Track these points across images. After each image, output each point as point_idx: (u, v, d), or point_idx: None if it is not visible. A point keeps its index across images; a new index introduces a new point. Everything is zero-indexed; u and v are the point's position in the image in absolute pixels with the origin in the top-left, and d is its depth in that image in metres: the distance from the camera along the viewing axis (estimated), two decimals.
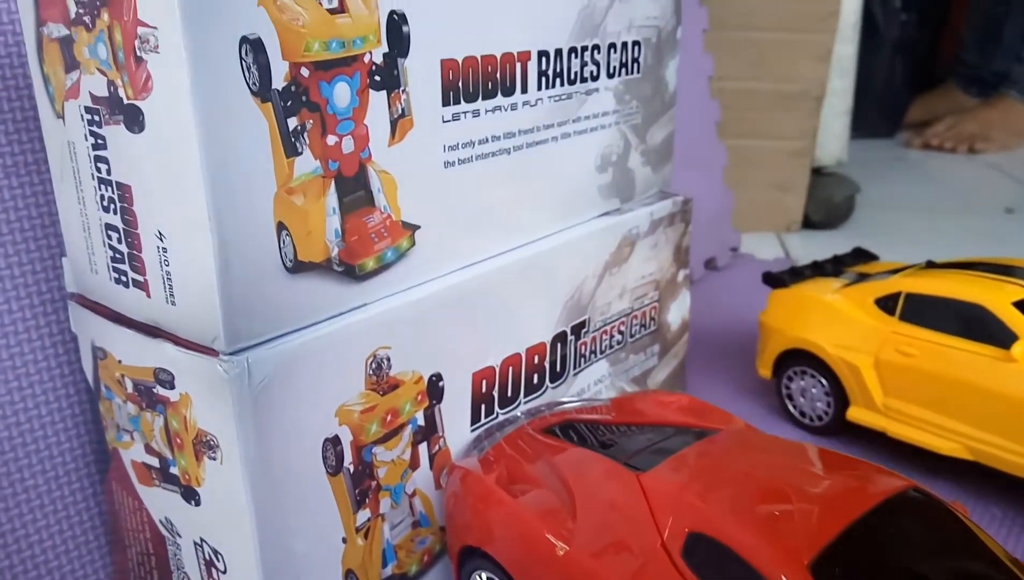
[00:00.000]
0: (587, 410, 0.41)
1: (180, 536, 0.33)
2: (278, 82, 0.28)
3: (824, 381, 0.53)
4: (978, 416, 0.45)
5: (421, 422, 0.36)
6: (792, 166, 1.06)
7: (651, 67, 0.48)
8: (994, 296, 0.45)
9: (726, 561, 0.26)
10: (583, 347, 0.46)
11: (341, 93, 0.30)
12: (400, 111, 0.33)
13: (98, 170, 0.30)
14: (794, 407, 0.55)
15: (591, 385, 0.47)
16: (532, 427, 0.39)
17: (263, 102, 0.28)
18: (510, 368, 0.41)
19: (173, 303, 0.30)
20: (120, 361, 0.33)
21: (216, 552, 0.32)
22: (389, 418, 0.35)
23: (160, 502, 0.34)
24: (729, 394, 0.60)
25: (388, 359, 0.34)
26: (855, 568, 0.25)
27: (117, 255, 0.31)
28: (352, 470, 0.33)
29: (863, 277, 0.55)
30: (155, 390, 0.31)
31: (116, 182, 0.30)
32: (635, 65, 0.47)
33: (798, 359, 0.54)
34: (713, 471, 0.30)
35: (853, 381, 0.50)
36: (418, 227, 0.35)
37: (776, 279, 0.58)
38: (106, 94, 0.28)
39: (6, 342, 0.36)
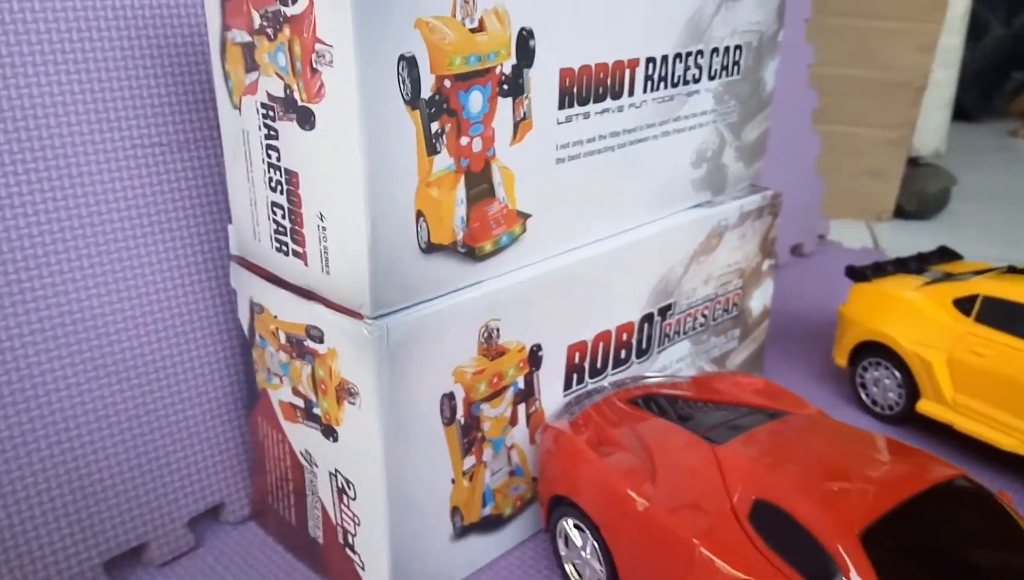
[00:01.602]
0: (669, 385, 0.45)
1: (317, 466, 0.39)
2: (426, 92, 0.33)
3: (897, 373, 0.55)
4: None
5: (521, 386, 0.41)
6: (888, 155, 1.06)
7: (751, 69, 0.51)
8: None
9: (787, 526, 0.31)
10: (668, 327, 0.50)
11: (475, 100, 0.35)
12: (522, 115, 0.37)
13: (268, 156, 0.36)
14: (867, 396, 0.58)
15: (673, 362, 0.51)
16: (618, 397, 0.44)
17: (413, 109, 0.33)
18: (601, 343, 0.45)
19: (328, 273, 0.35)
20: (276, 316, 0.39)
21: (348, 482, 0.38)
22: (495, 380, 0.40)
23: (302, 436, 0.40)
24: (805, 379, 0.63)
25: (498, 330, 0.39)
26: (902, 541, 0.29)
27: (280, 228, 0.37)
28: (463, 422, 0.39)
29: (947, 276, 0.57)
30: (305, 343, 0.37)
31: (285, 168, 0.35)
32: (735, 67, 0.50)
33: (874, 351, 0.57)
34: (781, 448, 0.34)
35: (925, 375, 0.53)
36: (530, 215, 0.40)
37: (859, 273, 0.60)
38: (282, 95, 0.34)
39: (176, 293, 0.43)
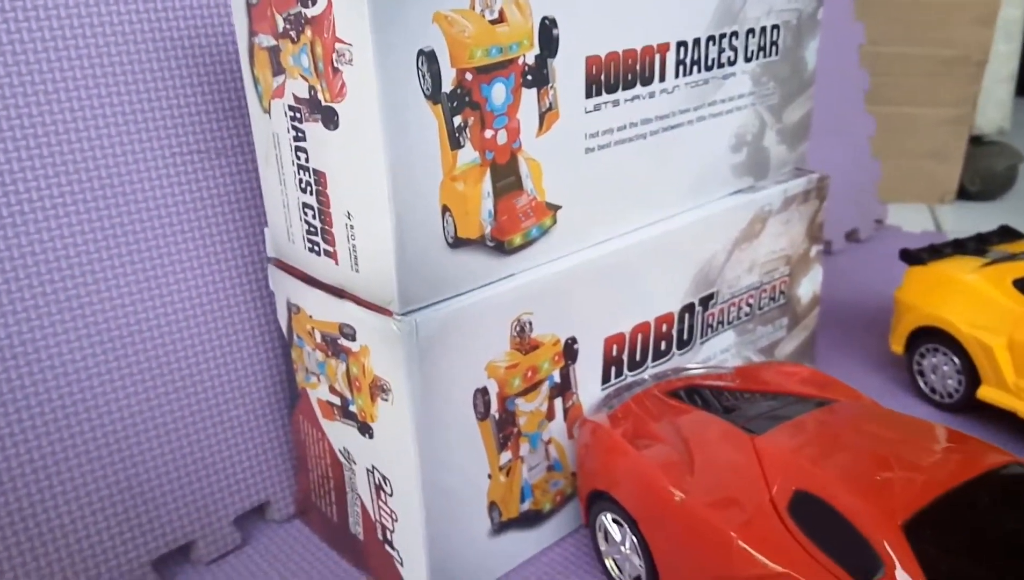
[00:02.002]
0: (711, 377, 0.44)
1: (355, 463, 0.40)
2: (447, 86, 0.33)
3: (956, 359, 0.53)
4: None
5: (557, 379, 0.41)
6: (948, 134, 1.02)
7: (790, 49, 0.50)
8: None
9: (828, 517, 0.30)
10: (711, 318, 0.49)
11: (498, 93, 0.35)
12: (548, 105, 0.37)
13: (298, 158, 0.36)
14: (925, 384, 0.56)
15: (717, 353, 0.50)
16: (658, 389, 0.43)
17: (434, 104, 0.33)
18: (639, 335, 0.45)
19: (357, 270, 0.35)
20: (311, 316, 0.39)
21: (385, 478, 0.38)
22: (530, 374, 0.40)
23: (339, 434, 0.40)
24: (860, 368, 0.61)
25: (530, 323, 0.39)
26: (948, 531, 0.28)
27: (311, 229, 0.37)
28: (497, 417, 0.39)
29: (1009, 257, 0.54)
30: (339, 341, 0.38)
31: (313, 169, 0.36)
32: (773, 48, 0.48)
33: (931, 337, 0.55)
34: (823, 437, 0.33)
35: (985, 360, 0.51)
36: (560, 207, 0.39)
37: (913, 256, 0.58)
38: (307, 96, 0.34)
39: (216, 297, 0.44)
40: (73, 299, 0.39)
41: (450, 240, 0.35)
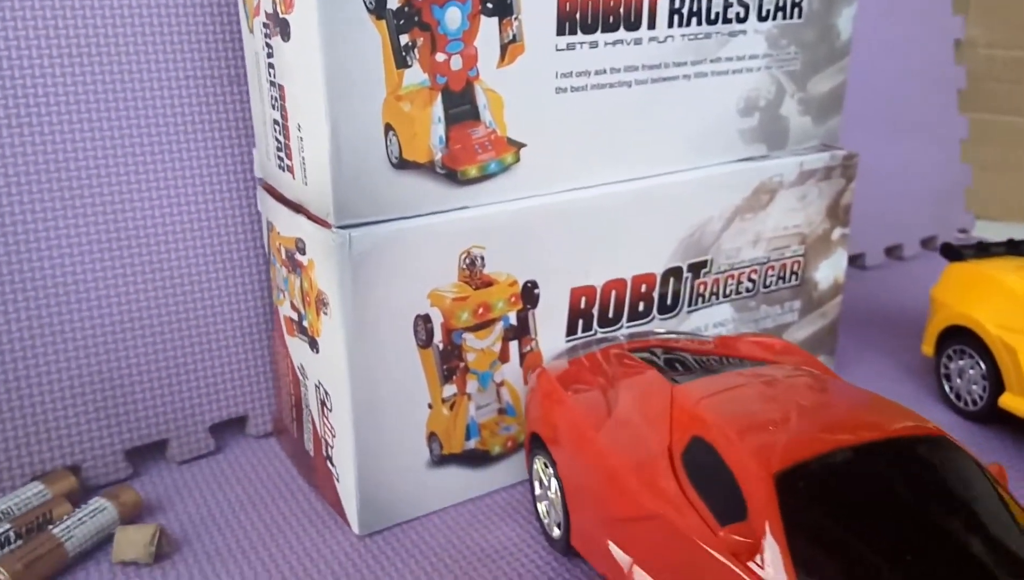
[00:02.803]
0: (687, 342, 0.43)
1: (308, 379, 0.41)
2: (392, 3, 0.33)
3: (982, 363, 0.49)
4: None
5: (513, 322, 0.41)
6: None
7: (816, 13, 0.47)
8: None
9: (712, 464, 0.28)
10: (702, 287, 0.47)
11: (452, 16, 0.35)
12: (511, 36, 0.37)
13: (269, 74, 0.38)
14: (950, 389, 0.52)
15: (710, 326, 0.48)
16: (627, 346, 0.42)
17: (378, 19, 0.33)
18: (613, 291, 0.44)
19: (307, 184, 0.37)
20: (279, 232, 0.41)
21: (327, 393, 0.39)
22: (480, 311, 0.40)
23: (298, 350, 0.42)
24: (890, 371, 0.57)
25: (482, 258, 0.39)
26: (823, 487, 0.26)
27: (278, 144, 0.39)
28: (441, 347, 0.39)
29: None
30: (295, 256, 0.39)
31: (277, 84, 0.37)
32: (795, 10, 0.46)
33: (960, 337, 0.50)
34: (740, 390, 0.32)
35: (1011, 365, 0.46)
36: (524, 145, 0.39)
37: (955, 252, 0.53)
38: (272, 11, 0.36)
39: (215, 214, 0.46)
40: (76, 198, 0.43)
41: (394, 160, 0.36)
